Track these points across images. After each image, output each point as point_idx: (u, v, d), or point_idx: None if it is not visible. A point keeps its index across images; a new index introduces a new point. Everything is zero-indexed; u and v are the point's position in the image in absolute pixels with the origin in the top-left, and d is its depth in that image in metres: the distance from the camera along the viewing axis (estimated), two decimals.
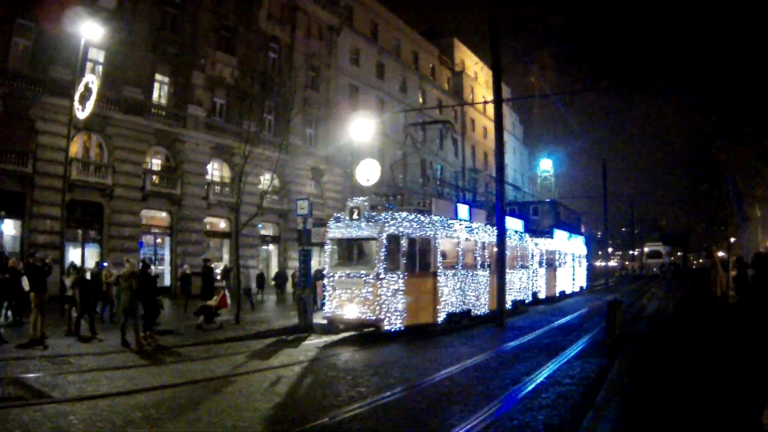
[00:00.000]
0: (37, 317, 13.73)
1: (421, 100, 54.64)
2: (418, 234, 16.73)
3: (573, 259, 37.22)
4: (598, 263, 72.16)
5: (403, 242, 16.08)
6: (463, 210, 20.65)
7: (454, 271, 18.67)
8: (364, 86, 47.13)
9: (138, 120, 29.80)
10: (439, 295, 17.54)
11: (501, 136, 22.25)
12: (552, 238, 31.99)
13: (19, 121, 25.52)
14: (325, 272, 17.36)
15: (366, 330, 16.88)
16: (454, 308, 18.58)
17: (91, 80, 23.67)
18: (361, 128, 28.42)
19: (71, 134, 23.18)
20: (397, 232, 15.96)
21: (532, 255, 27.95)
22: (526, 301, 26.57)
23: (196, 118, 32.95)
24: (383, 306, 15.36)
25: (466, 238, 19.87)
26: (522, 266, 25.76)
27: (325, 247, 17.26)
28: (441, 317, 17.66)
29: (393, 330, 15.62)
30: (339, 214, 17.27)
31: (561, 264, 33.64)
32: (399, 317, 15.75)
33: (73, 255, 26.75)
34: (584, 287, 41.27)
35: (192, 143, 32.61)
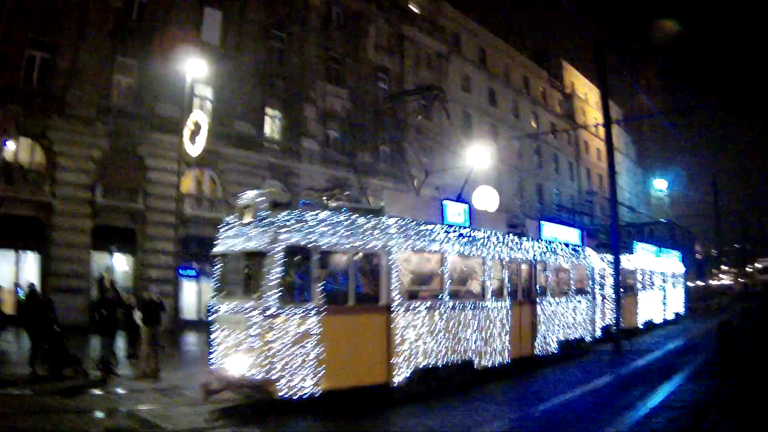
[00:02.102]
0: (150, 351, 12.83)
1: (534, 124, 49.89)
2: (348, 245, 9.97)
3: (664, 281, 27.46)
4: (713, 282, 64.40)
5: (316, 258, 9.52)
6: (454, 210, 12.55)
7: (432, 303, 11.33)
8: (477, 113, 43.23)
9: (250, 154, 27.62)
10: (397, 341, 10.40)
11: (612, 158, 20.71)
12: (631, 253, 23.14)
13: (128, 157, 23.95)
14: (209, 305, 10.96)
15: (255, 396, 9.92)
16: (433, 359, 11.18)
17: (201, 116, 22.01)
18: (476, 155, 25.34)
19: (182, 169, 21.53)
20: (304, 243, 9.40)
21: (601, 275, 19.38)
22: (587, 339, 17.42)
23: (310, 151, 30.41)
24: (276, 359, 9.00)
25: (462, 253, 12.29)
26: (578, 291, 17.07)
27: (213, 266, 11.07)
28: (401, 375, 10.43)
29: (297, 397, 9.12)
30: (230, 217, 10.73)
31: (645, 287, 24.40)
32: (310, 376, 9.23)
33: (188, 289, 24.82)
34: (681, 313, 30.54)
35: (307, 176, 29.92)
